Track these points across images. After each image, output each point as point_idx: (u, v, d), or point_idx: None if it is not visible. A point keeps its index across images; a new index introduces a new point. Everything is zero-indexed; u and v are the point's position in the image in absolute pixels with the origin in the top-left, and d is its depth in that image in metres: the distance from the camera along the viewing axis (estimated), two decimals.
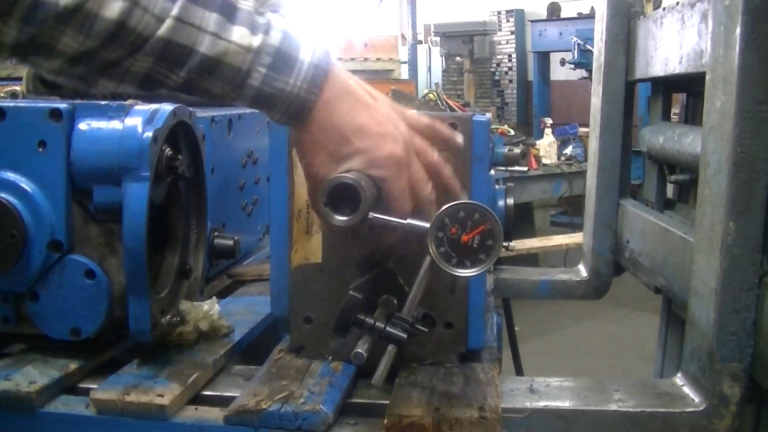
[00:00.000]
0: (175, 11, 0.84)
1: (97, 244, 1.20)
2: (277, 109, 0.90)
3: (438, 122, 1.08)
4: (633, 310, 5.49)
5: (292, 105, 0.90)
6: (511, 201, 1.38)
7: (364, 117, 0.93)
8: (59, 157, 1.17)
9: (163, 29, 0.83)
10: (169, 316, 1.26)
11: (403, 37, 9.09)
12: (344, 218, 0.92)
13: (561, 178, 6.35)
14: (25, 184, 1.17)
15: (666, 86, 1.78)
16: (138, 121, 1.17)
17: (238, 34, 0.86)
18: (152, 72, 0.86)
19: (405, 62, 8.83)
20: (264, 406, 1.04)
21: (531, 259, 5.42)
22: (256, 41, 0.87)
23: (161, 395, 1.07)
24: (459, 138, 1.10)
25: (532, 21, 10.20)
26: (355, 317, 1.00)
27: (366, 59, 7.54)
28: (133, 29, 0.82)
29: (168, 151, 1.22)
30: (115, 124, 1.18)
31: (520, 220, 4.29)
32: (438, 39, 9.50)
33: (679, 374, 1.21)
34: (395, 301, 1.08)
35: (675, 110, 1.90)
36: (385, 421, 1.00)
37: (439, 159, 1.02)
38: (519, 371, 1.99)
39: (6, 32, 0.80)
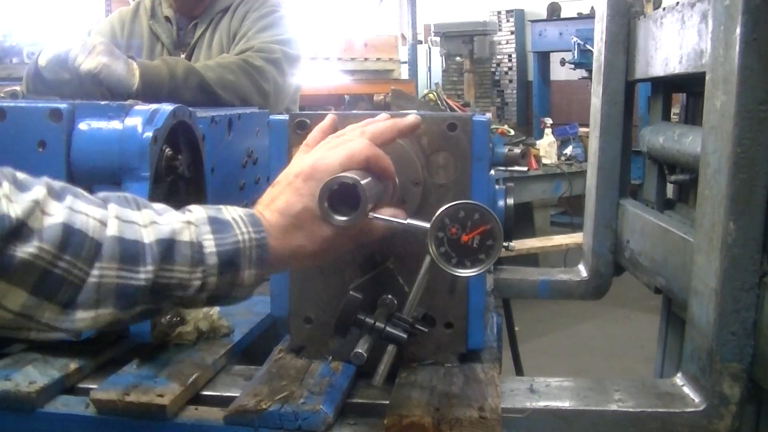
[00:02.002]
0: (112, 213, 0.85)
1: None
2: (244, 263, 0.90)
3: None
4: (633, 310, 5.49)
5: (254, 251, 0.91)
6: (511, 201, 1.38)
7: (298, 196, 0.95)
8: (59, 157, 1.17)
9: (110, 230, 0.83)
10: (169, 316, 1.26)
11: (403, 37, 9.08)
12: (344, 218, 0.92)
13: (561, 178, 6.35)
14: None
15: (666, 86, 1.78)
16: (138, 121, 1.17)
17: (171, 218, 0.89)
18: (121, 281, 0.84)
19: (405, 62, 8.82)
20: (264, 406, 1.04)
21: (531, 259, 5.43)
22: (189, 217, 0.90)
23: (161, 395, 1.07)
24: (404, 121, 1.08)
25: (532, 21, 10.20)
26: (355, 317, 1.00)
27: (366, 59, 7.53)
28: (82, 232, 0.81)
29: (168, 151, 1.22)
30: (115, 124, 1.18)
31: (520, 220, 4.29)
32: (438, 39, 9.49)
33: (679, 374, 1.21)
34: (395, 301, 1.08)
35: (675, 110, 1.90)
36: (385, 421, 1.00)
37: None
38: (519, 371, 1.99)
39: None
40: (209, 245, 0.88)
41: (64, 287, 0.81)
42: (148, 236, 0.86)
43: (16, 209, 0.77)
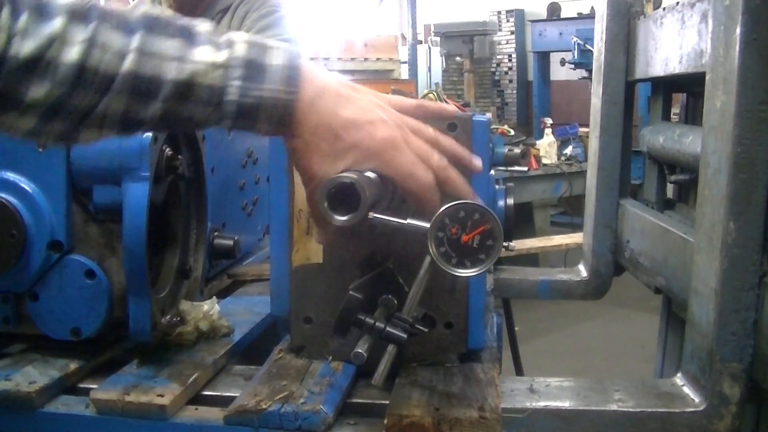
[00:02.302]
0: (134, 45, 0.83)
1: (97, 244, 1.21)
2: (262, 119, 0.89)
3: (425, 102, 1.08)
4: (633, 310, 5.49)
5: (274, 111, 0.88)
6: (511, 201, 1.38)
7: (349, 110, 0.92)
8: (59, 157, 1.17)
9: (126, 65, 0.82)
10: (169, 316, 1.26)
11: (403, 37, 9.08)
12: (344, 218, 0.92)
13: (561, 178, 6.35)
14: (25, 184, 1.17)
15: (666, 86, 1.78)
16: None
17: (202, 55, 0.86)
18: (129, 111, 0.84)
19: (405, 62, 8.82)
20: (264, 406, 1.04)
21: (531, 259, 5.42)
22: (221, 57, 0.87)
23: (161, 395, 1.07)
24: (450, 109, 1.10)
25: (532, 21, 10.19)
26: (355, 317, 1.00)
27: (366, 59, 7.53)
28: (95, 69, 0.81)
29: (168, 151, 1.22)
30: None
31: (520, 220, 4.29)
32: (438, 39, 9.49)
33: (679, 374, 1.21)
34: (395, 301, 1.08)
35: (675, 110, 1.90)
36: (385, 421, 1.00)
37: (436, 132, 1.01)
38: (519, 371, 1.99)
39: None
40: (233, 92, 0.86)
41: (73, 114, 0.83)
42: (168, 71, 0.84)
43: (28, 46, 0.78)
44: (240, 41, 0.88)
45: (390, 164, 0.93)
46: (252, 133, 0.91)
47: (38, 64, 0.79)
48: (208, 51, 0.86)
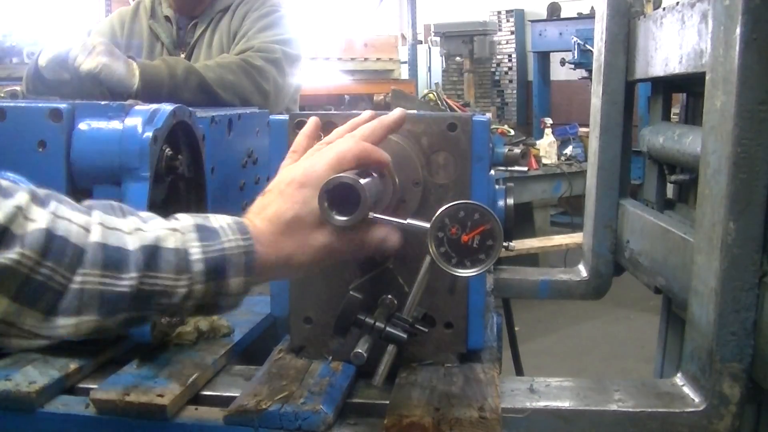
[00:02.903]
0: (95, 220, 0.84)
1: None
2: (232, 271, 0.89)
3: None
4: (633, 310, 5.49)
5: (241, 258, 0.89)
6: (511, 201, 1.38)
7: (290, 203, 0.94)
8: (59, 157, 1.17)
9: (93, 236, 0.83)
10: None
11: (403, 37, 9.08)
12: (344, 218, 0.92)
13: (561, 178, 6.35)
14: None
15: (666, 86, 1.78)
16: (138, 121, 1.17)
17: (156, 225, 0.88)
18: (104, 288, 0.82)
19: (405, 62, 8.82)
20: (264, 406, 1.04)
21: (531, 259, 5.42)
22: (175, 225, 0.89)
23: (161, 395, 1.07)
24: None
25: (532, 21, 10.20)
26: (355, 317, 1.00)
27: (366, 59, 7.53)
28: (65, 238, 0.80)
29: (168, 151, 1.23)
30: (115, 124, 1.18)
31: (520, 220, 4.29)
32: (438, 39, 9.49)
33: (679, 374, 1.20)
34: (395, 301, 1.08)
35: (675, 110, 1.90)
36: (385, 421, 1.00)
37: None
38: (519, 371, 1.99)
39: None
40: (195, 252, 0.87)
41: (47, 294, 0.80)
42: (132, 243, 0.85)
43: None
44: (181, 216, 0.91)
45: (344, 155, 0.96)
46: (221, 302, 0.92)
47: (5, 234, 0.77)
48: (160, 222, 0.89)
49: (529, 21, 10.46)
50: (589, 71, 6.83)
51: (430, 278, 1.01)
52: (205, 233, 0.89)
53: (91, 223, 0.84)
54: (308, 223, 0.93)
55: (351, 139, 0.98)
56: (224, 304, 0.93)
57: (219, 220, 0.92)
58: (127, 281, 0.83)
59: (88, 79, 1.84)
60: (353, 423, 1.07)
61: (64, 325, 0.82)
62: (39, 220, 0.80)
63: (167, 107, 1.22)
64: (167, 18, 2.48)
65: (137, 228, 0.87)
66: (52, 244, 0.79)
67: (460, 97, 9.00)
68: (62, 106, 1.17)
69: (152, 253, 0.85)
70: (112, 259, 0.83)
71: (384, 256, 1.11)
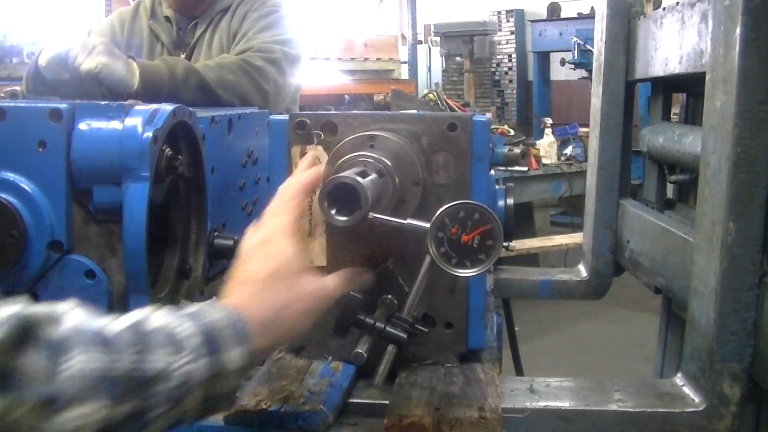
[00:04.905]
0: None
1: (97, 244, 1.20)
2: (223, 344, 0.82)
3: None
4: (633, 310, 5.49)
5: (228, 329, 0.83)
6: (511, 201, 1.38)
7: (268, 257, 0.93)
8: (59, 157, 1.17)
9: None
10: None
11: (403, 37, 9.08)
12: (344, 218, 0.92)
13: (561, 178, 6.34)
14: (25, 184, 1.17)
15: (666, 86, 1.78)
16: (138, 121, 1.17)
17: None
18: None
19: (405, 62, 8.82)
20: (264, 406, 1.04)
21: (531, 259, 5.42)
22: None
23: None
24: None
25: (532, 21, 10.20)
26: (355, 317, 1.00)
27: (366, 59, 7.53)
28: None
29: (168, 151, 1.22)
30: (115, 124, 1.18)
31: (520, 220, 4.29)
32: (438, 39, 9.49)
33: (679, 374, 1.21)
34: (395, 301, 1.08)
35: (675, 110, 1.90)
36: (385, 421, 1.00)
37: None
38: (519, 371, 1.99)
39: None
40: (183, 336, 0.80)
41: None
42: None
43: None
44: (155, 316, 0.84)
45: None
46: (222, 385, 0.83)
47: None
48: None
49: (529, 21, 10.47)
50: (589, 71, 6.82)
51: (430, 278, 1.01)
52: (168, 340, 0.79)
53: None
54: (293, 271, 0.92)
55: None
56: (228, 388, 0.84)
57: (193, 307, 0.85)
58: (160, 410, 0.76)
59: (88, 79, 1.83)
60: (353, 423, 1.07)
61: None
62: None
63: (167, 107, 1.22)
64: (167, 18, 2.48)
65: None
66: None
67: (460, 97, 9.00)
68: (62, 106, 1.17)
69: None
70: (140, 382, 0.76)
71: (384, 255, 1.11)
